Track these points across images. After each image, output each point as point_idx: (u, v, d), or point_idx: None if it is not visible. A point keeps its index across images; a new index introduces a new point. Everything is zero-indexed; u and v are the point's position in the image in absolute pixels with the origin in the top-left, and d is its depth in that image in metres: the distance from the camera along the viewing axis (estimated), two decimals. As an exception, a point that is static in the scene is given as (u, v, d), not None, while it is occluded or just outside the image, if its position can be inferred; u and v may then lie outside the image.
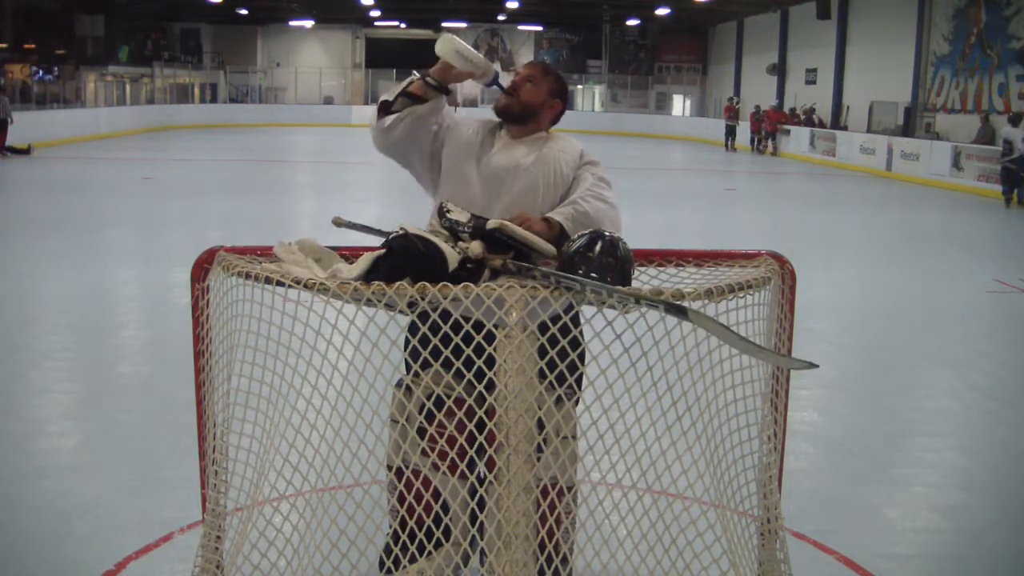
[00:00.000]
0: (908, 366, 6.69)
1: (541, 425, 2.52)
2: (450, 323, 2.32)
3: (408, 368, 2.70)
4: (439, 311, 2.34)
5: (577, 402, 2.70)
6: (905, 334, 7.59)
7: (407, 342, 2.58)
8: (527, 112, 2.93)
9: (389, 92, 2.95)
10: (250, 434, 2.62)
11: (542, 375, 2.44)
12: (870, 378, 6.35)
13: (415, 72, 2.98)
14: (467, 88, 39.76)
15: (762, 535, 2.79)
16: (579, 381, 2.63)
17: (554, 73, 3.01)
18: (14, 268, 8.96)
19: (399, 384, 2.66)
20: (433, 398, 2.55)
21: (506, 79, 2.95)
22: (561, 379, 2.42)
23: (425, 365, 2.56)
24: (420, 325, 2.41)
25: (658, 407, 2.46)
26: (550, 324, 2.39)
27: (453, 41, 2.82)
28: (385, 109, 2.92)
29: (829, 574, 3.60)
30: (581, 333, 2.58)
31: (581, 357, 2.55)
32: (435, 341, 2.35)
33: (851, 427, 5.34)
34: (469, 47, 2.85)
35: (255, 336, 2.50)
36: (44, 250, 9.94)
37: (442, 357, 2.35)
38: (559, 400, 2.57)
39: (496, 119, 3.00)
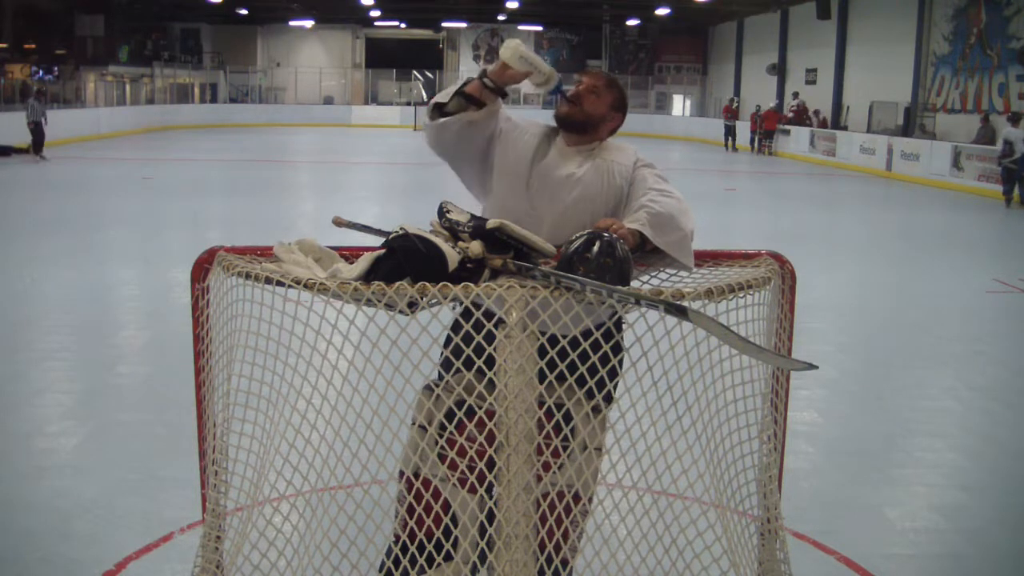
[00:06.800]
0: (908, 366, 6.69)
1: (558, 429, 2.52)
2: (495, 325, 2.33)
3: (443, 370, 2.70)
4: (492, 319, 2.35)
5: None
6: (905, 334, 7.59)
7: (448, 342, 2.58)
8: (588, 123, 2.87)
9: (443, 93, 2.85)
10: (250, 434, 2.62)
11: (580, 384, 2.46)
12: (870, 378, 6.35)
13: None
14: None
15: (762, 535, 2.79)
16: (607, 395, 2.63)
17: (617, 86, 2.95)
18: (14, 268, 8.97)
19: (427, 388, 2.65)
20: (465, 406, 2.53)
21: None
22: (591, 391, 2.46)
23: (459, 369, 2.56)
24: (464, 324, 2.41)
25: (658, 407, 2.46)
26: (594, 330, 2.38)
27: (519, 46, 2.73)
28: (438, 110, 2.82)
29: (829, 574, 3.60)
30: (615, 347, 2.57)
31: (612, 372, 2.53)
32: (483, 339, 2.35)
33: (851, 427, 5.34)
34: (534, 54, 2.76)
35: (255, 336, 2.49)
36: (44, 250, 9.94)
37: (476, 360, 2.36)
38: (593, 411, 2.58)
39: (553, 124, 2.95)
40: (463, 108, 2.79)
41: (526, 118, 3.00)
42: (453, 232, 2.47)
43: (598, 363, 2.38)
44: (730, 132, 29.68)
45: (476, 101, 2.79)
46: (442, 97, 2.84)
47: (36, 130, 20.05)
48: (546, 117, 3.00)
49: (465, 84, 2.82)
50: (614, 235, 2.44)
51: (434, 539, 2.59)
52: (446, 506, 2.60)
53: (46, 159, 19.95)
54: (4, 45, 30.30)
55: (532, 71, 2.76)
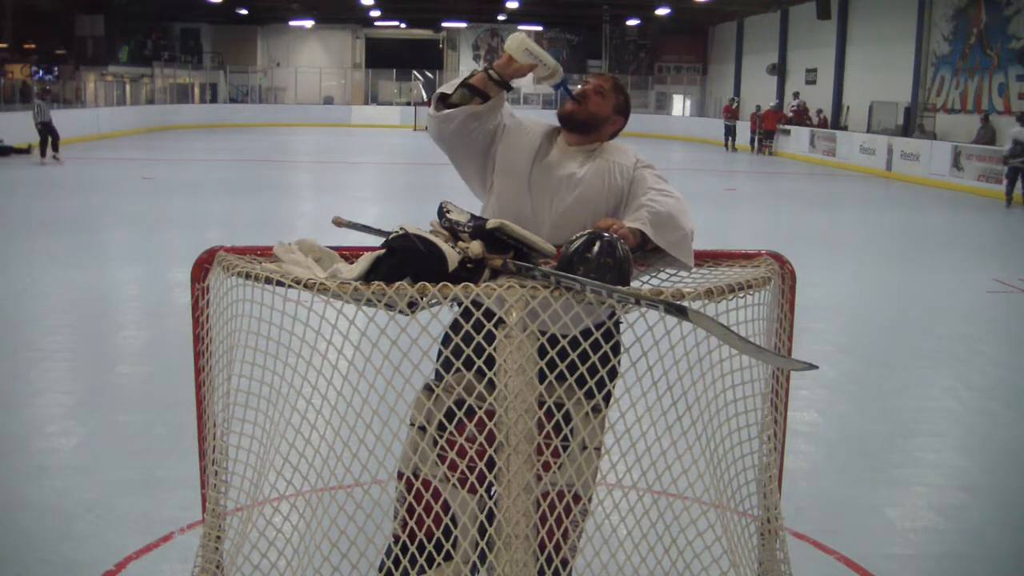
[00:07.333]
0: (908, 366, 6.69)
1: (558, 429, 2.52)
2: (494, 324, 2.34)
3: (442, 369, 2.71)
4: (490, 317, 2.36)
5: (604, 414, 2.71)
6: (905, 334, 7.59)
7: (447, 342, 2.59)
8: (591, 123, 2.87)
9: (448, 84, 2.86)
10: (250, 434, 2.62)
11: (581, 384, 2.46)
12: (870, 378, 6.35)
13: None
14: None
15: (762, 535, 2.79)
16: (607, 395, 2.63)
17: (623, 91, 2.96)
18: (14, 268, 8.97)
19: (427, 388, 2.65)
20: (465, 406, 2.53)
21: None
22: (591, 391, 2.47)
23: (459, 369, 2.56)
24: (464, 324, 2.41)
25: (658, 407, 2.46)
26: (594, 330, 2.38)
27: (524, 39, 2.74)
28: (443, 101, 2.82)
29: (829, 574, 3.61)
30: (615, 347, 2.56)
31: (612, 372, 2.52)
32: (483, 339, 2.33)
33: (851, 427, 5.34)
34: (539, 48, 2.77)
35: (255, 336, 2.50)
36: (44, 250, 9.94)
37: (476, 364, 2.37)
38: (592, 411, 2.58)
39: (556, 124, 2.95)
40: (467, 100, 2.79)
41: (529, 116, 3.00)
42: (453, 232, 2.47)
43: (598, 363, 2.38)
44: (730, 132, 29.68)
45: (481, 93, 2.79)
46: (447, 88, 2.84)
47: (45, 130, 19.42)
48: (547, 117, 3.00)
49: (470, 76, 2.82)
50: (614, 235, 2.44)
51: (434, 539, 2.59)
52: (446, 506, 2.60)
53: (59, 161, 19.48)
54: (4, 45, 30.30)
55: (537, 64, 2.77)
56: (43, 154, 19.56)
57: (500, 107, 2.85)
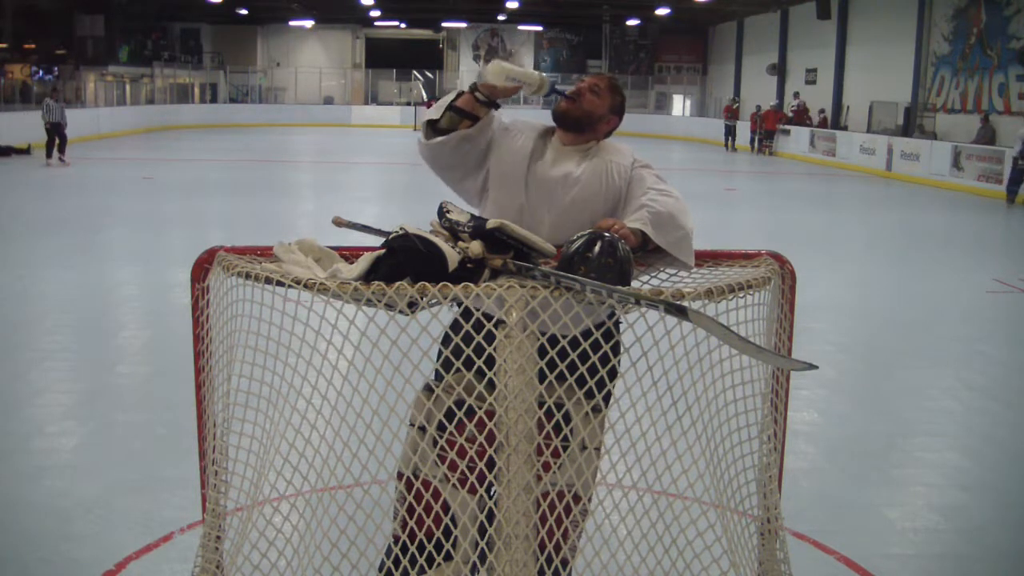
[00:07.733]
0: (908, 366, 6.69)
1: (558, 429, 2.52)
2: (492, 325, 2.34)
3: (442, 369, 2.70)
4: (489, 318, 2.36)
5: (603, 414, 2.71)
6: (905, 334, 7.59)
7: (447, 342, 2.59)
8: (585, 121, 2.86)
9: (435, 108, 2.85)
10: (250, 434, 2.62)
11: (581, 384, 2.46)
12: (870, 378, 6.35)
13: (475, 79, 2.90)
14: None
15: (762, 535, 2.79)
16: (607, 395, 2.63)
17: (619, 91, 2.95)
18: (14, 268, 8.97)
19: (427, 388, 2.65)
20: (465, 406, 2.53)
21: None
22: (591, 391, 2.47)
23: (459, 369, 2.56)
24: (464, 324, 2.41)
25: (658, 407, 2.46)
26: (594, 330, 2.38)
27: (502, 67, 2.74)
28: (431, 126, 2.84)
29: (829, 574, 3.61)
30: (615, 347, 2.55)
31: (612, 372, 2.52)
32: (483, 340, 2.34)
33: (851, 427, 5.34)
34: (519, 68, 2.76)
35: (255, 336, 2.49)
36: (44, 250, 9.94)
37: (476, 364, 2.37)
38: (592, 411, 2.58)
39: (549, 124, 2.94)
40: (456, 122, 2.80)
41: (519, 120, 2.99)
42: (453, 232, 2.47)
43: (598, 363, 2.38)
44: (730, 132, 29.68)
45: (469, 115, 2.79)
46: (434, 113, 2.84)
47: (54, 131, 19.06)
48: (546, 117, 2.99)
49: (457, 98, 2.82)
50: (615, 235, 2.44)
51: (434, 539, 2.59)
52: (446, 506, 2.60)
53: (66, 163, 19.14)
54: (4, 45, 30.29)
55: (521, 85, 2.76)
56: (48, 155, 19.29)
57: (490, 125, 2.85)
